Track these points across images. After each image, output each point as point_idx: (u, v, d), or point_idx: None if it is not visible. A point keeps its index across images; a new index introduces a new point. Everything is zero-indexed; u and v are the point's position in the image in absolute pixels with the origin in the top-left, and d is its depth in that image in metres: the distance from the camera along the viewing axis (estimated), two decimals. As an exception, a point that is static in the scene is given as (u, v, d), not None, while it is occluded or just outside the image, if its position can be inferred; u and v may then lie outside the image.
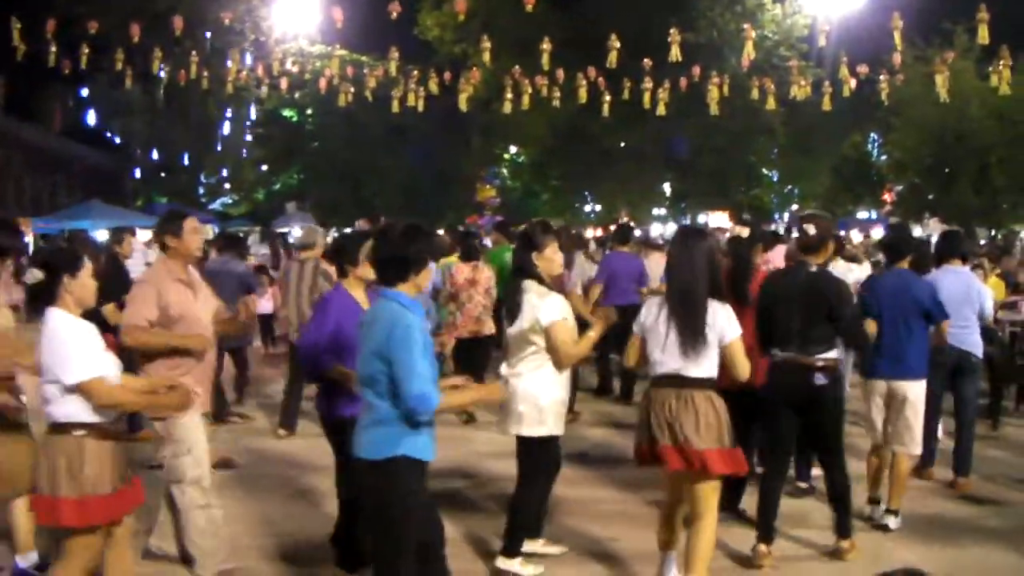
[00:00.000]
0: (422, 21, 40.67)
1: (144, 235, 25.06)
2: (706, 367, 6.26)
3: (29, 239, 25.62)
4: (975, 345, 9.51)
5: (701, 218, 49.24)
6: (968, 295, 9.42)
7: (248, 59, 35.38)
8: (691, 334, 6.21)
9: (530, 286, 6.86)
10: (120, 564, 5.87)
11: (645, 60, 20.19)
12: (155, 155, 42.72)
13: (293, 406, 11.81)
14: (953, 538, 8.13)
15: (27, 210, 36.85)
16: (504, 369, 7.06)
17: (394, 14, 17.95)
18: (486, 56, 20.29)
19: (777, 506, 7.50)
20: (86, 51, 20.12)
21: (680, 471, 6.29)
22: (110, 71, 26.78)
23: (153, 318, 6.89)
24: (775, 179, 46.74)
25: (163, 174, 43.03)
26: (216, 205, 48.02)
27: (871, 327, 8.19)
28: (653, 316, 6.46)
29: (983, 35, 16.57)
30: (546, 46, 18.85)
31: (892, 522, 8.26)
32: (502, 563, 7.05)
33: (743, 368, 6.31)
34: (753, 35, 20.73)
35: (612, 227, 26.93)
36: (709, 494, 6.33)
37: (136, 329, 6.88)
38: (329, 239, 13.25)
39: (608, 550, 7.68)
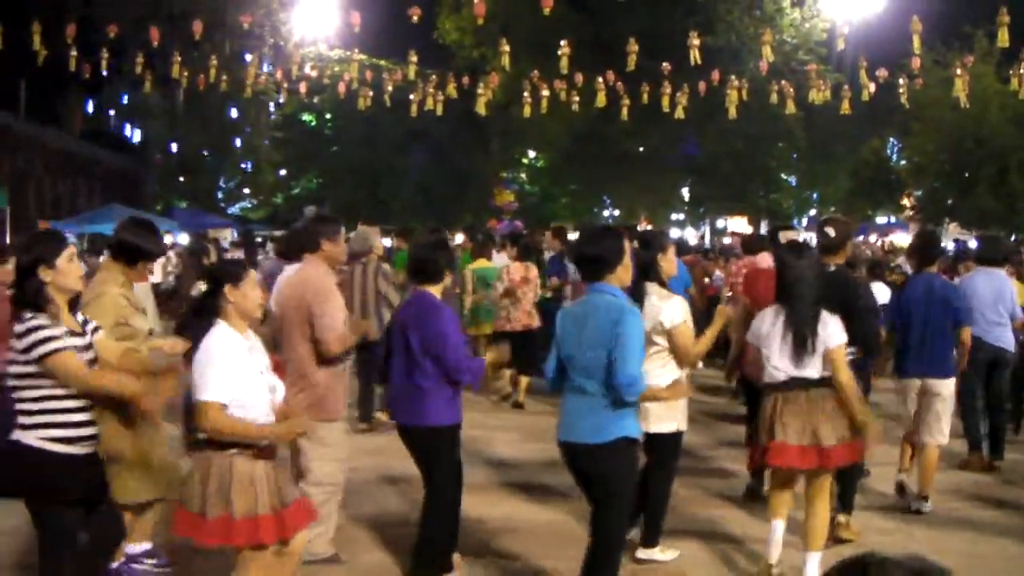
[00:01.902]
0: (441, 25, 40.76)
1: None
2: (820, 368, 6.65)
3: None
4: (1009, 342, 10.23)
5: (720, 223, 49.20)
6: (1002, 295, 10.03)
7: (267, 64, 35.50)
8: (804, 341, 6.62)
9: (652, 288, 7.10)
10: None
11: (664, 64, 20.19)
12: (174, 159, 42.79)
13: (368, 399, 12.04)
14: (972, 533, 8.17)
15: (48, 213, 36.95)
16: None
17: (413, 18, 18.00)
18: (504, 60, 20.33)
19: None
20: (105, 55, 20.23)
21: (807, 469, 6.73)
22: (130, 75, 26.94)
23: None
24: (794, 183, 46.64)
25: (182, 178, 43.11)
26: (235, 209, 48.15)
27: (886, 336, 8.69)
28: (768, 324, 6.82)
29: (1003, 39, 16.54)
30: (564, 50, 18.85)
31: (924, 507, 8.64)
32: (643, 553, 7.35)
33: (843, 372, 6.66)
34: (772, 39, 20.77)
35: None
36: (825, 481, 6.84)
37: (343, 336, 7.01)
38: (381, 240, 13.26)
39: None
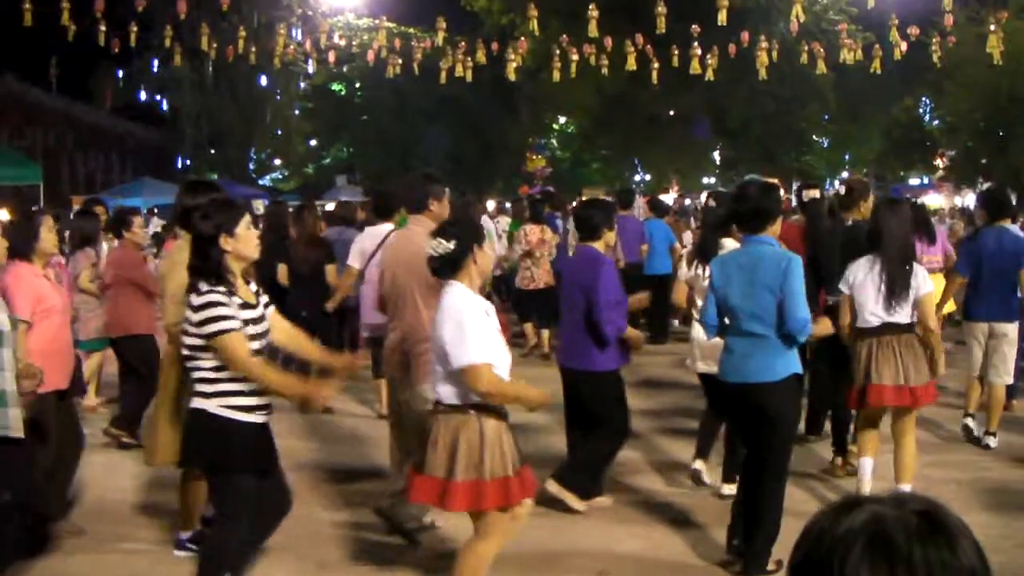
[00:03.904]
0: (468, -9, 40.61)
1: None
2: (910, 314, 7.45)
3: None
4: None
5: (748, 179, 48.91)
6: None
7: (295, 33, 35.48)
8: (901, 289, 7.36)
9: (728, 242, 7.65)
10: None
11: (693, 26, 20.06)
12: (205, 131, 42.89)
13: None
14: (1013, 504, 8.07)
15: (80, 188, 37.21)
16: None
17: (441, -15, 17.97)
18: (533, 25, 20.27)
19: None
20: (134, 29, 20.27)
21: (898, 406, 7.52)
22: (159, 48, 26.99)
23: None
24: (825, 145, 46.27)
25: (212, 150, 43.24)
26: (266, 180, 48.27)
27: (955, 281, 9.95)
28: (862, 274, 7.50)
29: (1038, -7, 16.35)
30: (593, 13, 18.76)
31: (992, 441, 9.52)
32: (727, 489, 7.87)
33: (931, 315, 7.55)
34: (802, -1, 20.54)
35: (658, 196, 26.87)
36: (911, 420, 7.66)
37: None
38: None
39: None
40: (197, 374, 5.44)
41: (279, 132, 45.28)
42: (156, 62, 34.76)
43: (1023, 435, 9.98)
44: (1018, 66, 30.58)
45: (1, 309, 5.75)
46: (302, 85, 45.00)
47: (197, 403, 5.46)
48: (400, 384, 7.15)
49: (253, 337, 5.43)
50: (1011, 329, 9.61)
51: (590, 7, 18.96)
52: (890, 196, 9.24)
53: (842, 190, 8.75)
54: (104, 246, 12.08)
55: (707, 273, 7.42)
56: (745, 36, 21.56)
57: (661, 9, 18.25)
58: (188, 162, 43.79)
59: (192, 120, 42.30)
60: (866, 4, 19.59)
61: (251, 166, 45.71)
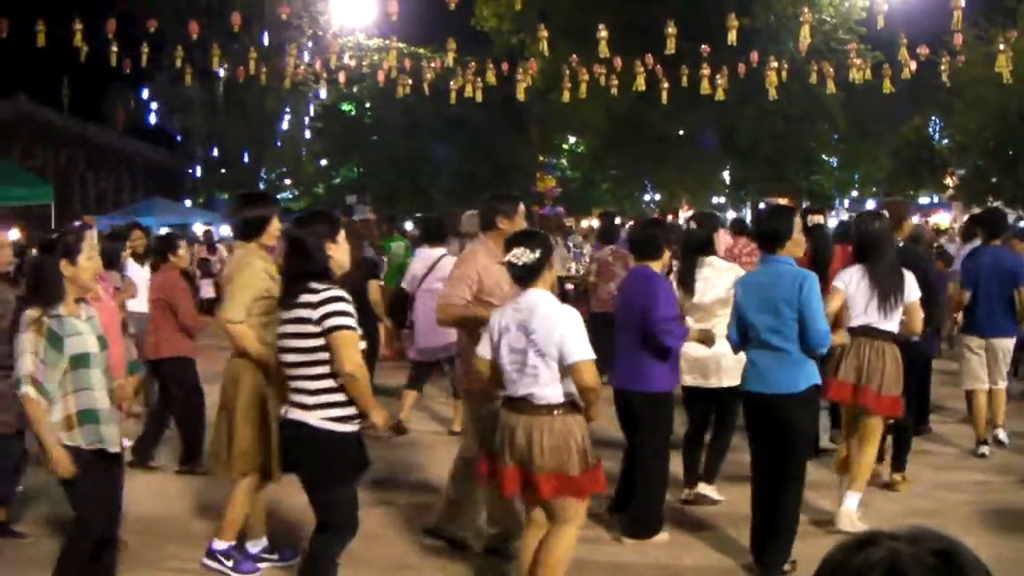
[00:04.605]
0: (478, 12, 40.68)
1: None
2: (895, 322, 7.76)
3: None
4: None
5: (761, 205, 48.88)
6: None
7: (306, 54, 35.60)
8: (891, 296, 7.70)
9: (711, 260, 8.26)
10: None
11: (702, 46, 20.13)
12: (215, 151, 43.02)
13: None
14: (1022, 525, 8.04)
15: (91, 208, 37.35)
16: (695, 333, 7.97)
17: (451, 5, 18.03)
18: (543, 45, 20.34)
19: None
20: (146, 50, 20.39)
21: (859, 406, 7.80)
22: (170, 69, 27.14)
23: (469, 298, 6.99)
24: (834, 164, 46.25)
25: (223, 170, 43.35)
26: (277, 200, 48.40)
27: (964, 296, 10.16)
28: (855, 283, 7.79)
29: (1047, 12, 16.38)
30: (603, 33, 18.82)
31: (1003, 434, 10.29)
32: (703, 488, 8.35)
33: (917, 321, 7.87)
34: (811, 18, 20.65)
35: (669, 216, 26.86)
36: (876, 427, 7.84)
37: (451, 307, 7.03)
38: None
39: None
40: (297, 384, 5.59)
41: (289, 152, 45.38)
42: (167, 83, 34.95)
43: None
44: (1027, 85, 30.61)
45: (89, 331, 5.77)
46: (312, 105, 45.10)
47: (296, 415, 5.58)
48: (484, 397, 6.99)
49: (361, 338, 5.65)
50: (1009, 344, 10.29)
51: (600, 27, 19.02)
52: (873, 212, 9.34)
53: (884, 213, 8.72)
54: (134, 268, 12.12)
55: (690, 294, 8.20)
56: (755, 56, 21.63)
57: (671, 29, 18.31)
58: (198, 182, 43.95)
59: (202, 140, 42.47)
60: (875, 24, 19.63)
61: (261, 186, 45.78)
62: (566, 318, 5.65)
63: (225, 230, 33.64)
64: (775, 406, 6.61)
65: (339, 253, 5.78)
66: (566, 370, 5.60)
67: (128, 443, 9.78)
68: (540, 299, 5.73)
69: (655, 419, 7.49)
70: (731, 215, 50.12)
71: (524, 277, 5.79)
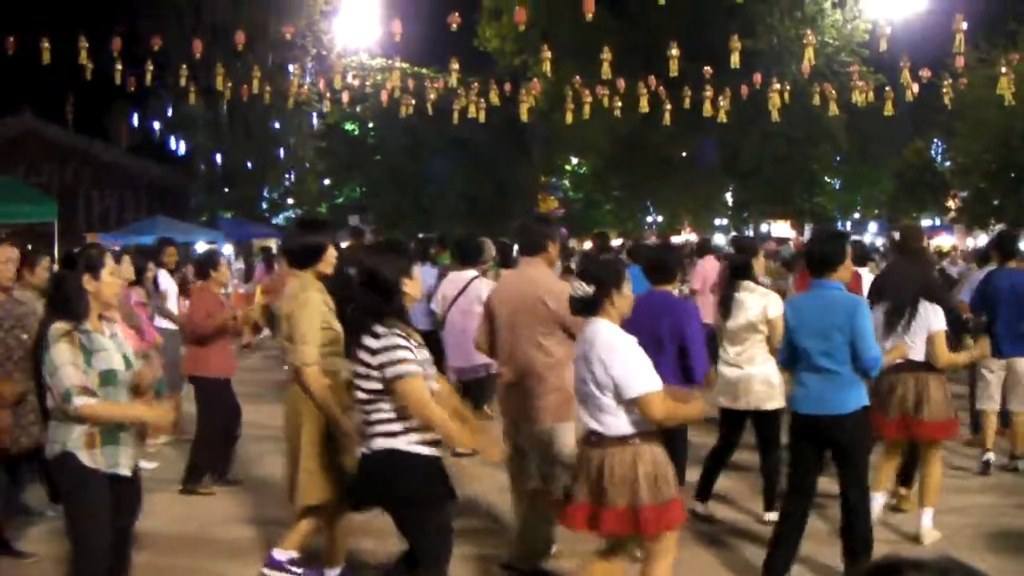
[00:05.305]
0: (481, 32, 40.85)
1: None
2: (923, 352, 8.02)
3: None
4: None
5: (763, 227, 48.98)
6: None
7: (309, 74, 35.67)
8: (906, 324, 8.02)
9: (748, 286, 8.42)
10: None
11: (705, 68, 20.18)
12: (219, 170, 43.04)
13: None
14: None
15: (95, 225, 37.36)
16: (729, 356, 8.43)
17: (454, 26, 18.08)
18: (546, 66, 20.37)
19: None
20: (150, 68, 20.46)
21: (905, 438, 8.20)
22: (174, 87, 27.19)
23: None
24: (837, 186, 46.33)
25: (227, 189, 43.35)
26: (279, 219, 48.35)
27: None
28: (878, 316, 7.89)
29: (1048, 36, 16.43)
30: (606, 55, 18.86)
31: (1021, 464, 10.25)
32: (768, 516, 8.28)
33: (941, 354, 8.02)
34: (813, 41, 20.70)
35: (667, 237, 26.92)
36: (936, 451, 8.22)
37: None
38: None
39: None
40: (379, 415, 5.47)
41: (292, 171, 45.38)
42: (171, 101, 35.01)
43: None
44: (1030, 107, 30.65)
45: (115, 349, 5.68)
46: (315, 124, 45.14)
47: (383, 443, 5.47)
48: (516, 423, 7.14)
49: (428, 377, 5.51)
50: None
51: (603, 48, 19.06)
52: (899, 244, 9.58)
53: (897, 236, 9.60)
54: (167, 281, 12.23)
55: (725, 316, 8.40)
56: (757, 78, 21.68)
57: (674, 51, 18.33)
58: (202, 201, 43.96)
59: (206, 159, 42.49)
60: (878, 46, 19.66)
61: (264, 205, 45.78)
62: (623, 350, 5.59)
63: (228, 249, 33.59)
64: (826, 427, 6.73)
65: (414, 289, 5.67)
66: (630, 404, 5.54)
67: (150, 466, 9.92)
68: (601, 330, 5.67)
69: (677, 436, 7.42)
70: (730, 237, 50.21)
71: (582, 310, 5.78)
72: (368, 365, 5.40)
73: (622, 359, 5.53)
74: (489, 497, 8.91)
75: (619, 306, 5.76)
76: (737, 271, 8.57)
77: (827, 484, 7.81)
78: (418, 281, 5.77)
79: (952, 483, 9.69)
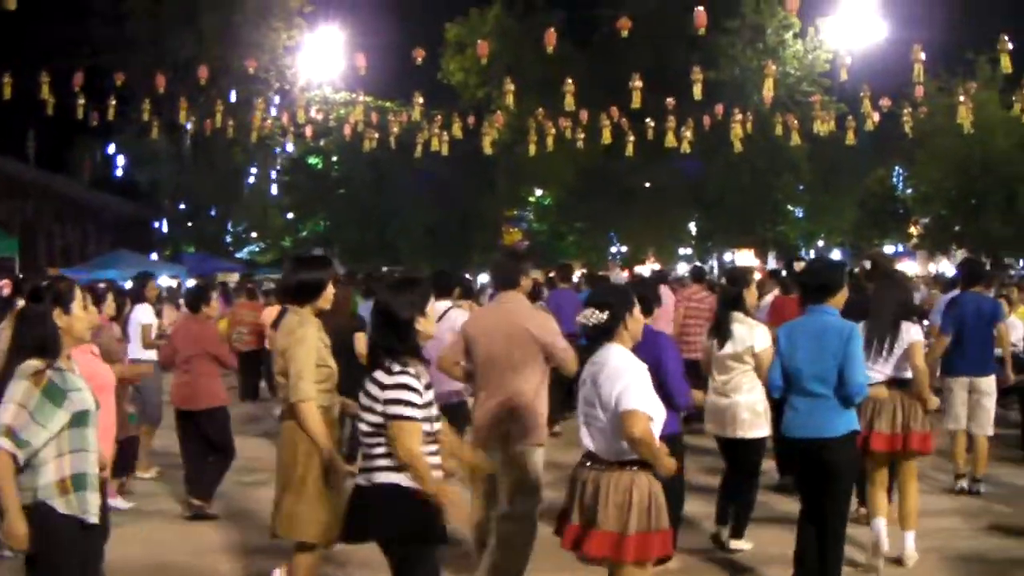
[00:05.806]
0: (445, 66, 40.89)
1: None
2: (905, 370, 8.14)
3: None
4: None
5: (727, 256, 49.20)
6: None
7: (273, 108, 35.60)
8: (889, 347, 8.12)
9: (739, 317, 8.48)
10: None
11: (668, 99, 20.28)
12: (182, 204, 42.89)
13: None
14: (991, 570, 8.12)
15: (57, 260, 37.18)
16: (717, 385, 8.52)
17: (418, 60, 18.09)
18: (509, 99, 20.40)
19: None
20: (113, 103, 20.39)
21: (892, 452, 8.12)
22: (137, 122, 27.10)
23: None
24: (800, 215, 46.61)
25: (190, 223, 43.20)
26: (243, 254, 48.18)
27: (944, 341, 10.33)
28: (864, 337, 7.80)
29: (1006, 64, 16.61)
30: (569, 87, 18.92)
31: (982, 487, 10.38)
32: (734, 544, 8.48)
33: (918, 361, 8.14)
34: (775, 71, 20.83)
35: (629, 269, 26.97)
36: (914, 468, 8.35)
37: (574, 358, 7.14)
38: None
39: None
40: (382, 448, 5.38)
41: (256, 206, 45.21)
42: (135, 136, 34.86)
43: (999, 502, 10.07)
44: (988, 135, 31.01)
45: (86, 387, 5.34)
46: (279, 159, 45.07)
47: (384, 477, 5.38)
48: (488, 448, 7.02)
49: (430, 419, 5.44)
50: (989, 383, 10.51)
51: (566, 81, 19.13)
52: (862, 268, 9.75)
53: (867, 264, 9.85)
54: (140, 316, 12.18)
55: (720, 345, 8.44)
56: (720, 109, 21.79)
57: (637, 83, 18.41)
58: (165, 235, 43.81)
59: (169, 193, 42.33)
60: (839, 76, 19.85)
61: (228, 239, 45.64)
62: (632, 372, 5.60)
63: (191, 283, 33.38)
64: (815, 450, 6.76)
65: (427, 326, 5.55)
66: (617, 419, 5.49)
67: (125, 505, 9.86)
68: (613, 354, 5.69)
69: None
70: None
71: (595, 337, 5.79)
72: (375, 399, 5.35)
73: (628, 380, 5.54)
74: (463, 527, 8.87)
75: (632, 330, 5.83)
76: (730, 302, 8.68)
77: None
78: (431, 318, 5.64)
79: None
